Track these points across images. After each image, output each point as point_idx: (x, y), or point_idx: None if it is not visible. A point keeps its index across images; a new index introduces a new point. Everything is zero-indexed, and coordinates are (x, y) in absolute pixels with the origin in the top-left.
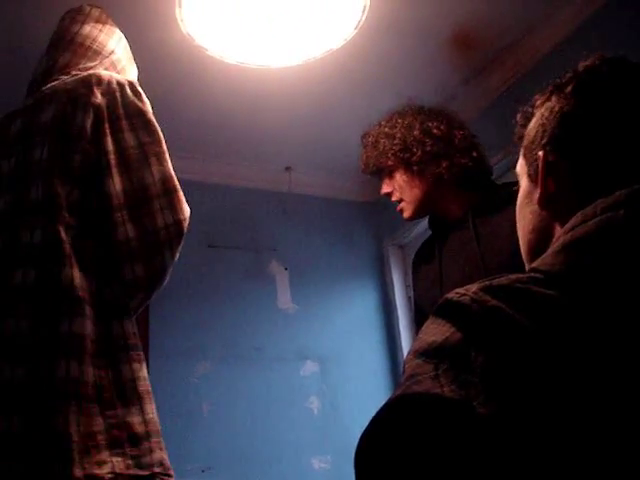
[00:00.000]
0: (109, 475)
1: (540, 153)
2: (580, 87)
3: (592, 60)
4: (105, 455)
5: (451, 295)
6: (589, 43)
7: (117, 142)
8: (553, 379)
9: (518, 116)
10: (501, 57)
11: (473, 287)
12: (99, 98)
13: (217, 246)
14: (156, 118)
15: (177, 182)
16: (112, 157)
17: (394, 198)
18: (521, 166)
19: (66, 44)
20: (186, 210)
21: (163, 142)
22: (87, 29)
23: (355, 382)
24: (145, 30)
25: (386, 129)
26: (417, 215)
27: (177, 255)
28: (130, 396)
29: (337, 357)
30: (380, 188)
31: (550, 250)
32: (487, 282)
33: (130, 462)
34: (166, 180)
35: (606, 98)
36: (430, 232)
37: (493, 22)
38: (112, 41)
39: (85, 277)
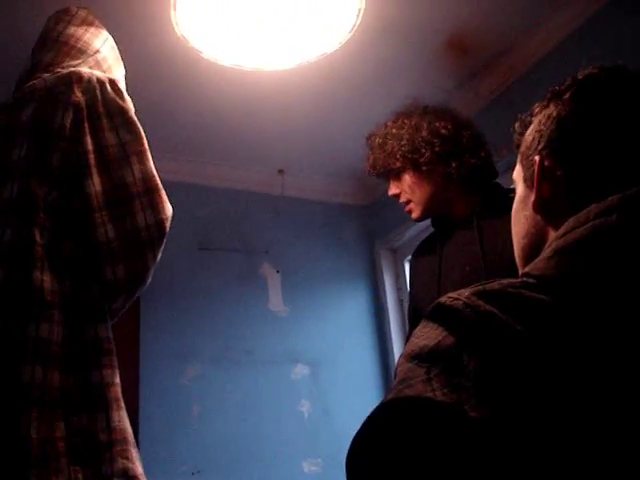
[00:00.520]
0: None
1: (536, 158)
2: (578, 94)
3: (591, 68)
4: (63, 463)
5: (444, 299)
6: (582, 49)
7: (97, 141)
8: (545, 383)
9: (516, 124)
10: (495, 62)
11: (466, 292)
12: (79, 96)
13: (209, 248)
14: (150, 120)
15: (159, 181)
16: (92, 156)
17: (402, 199)
18: (517, 172)
19: (51, 43)
20: (168, 209)
21: (144, 141)
22: (72, 29)
23: (346, 385)
24: (140, 33)
25: (393, 130)
26: (426, 216)
27: (159, 255)
28: (97, 403)
29: (328, 360)
30: (373, 189)
31: (543, 255)
32: (480, 287)
33: (88, 471)
34: (147, 179)
35: (604, 105)
36: (429, 232)
37: (488, 27)
38: (98, 41)
39: (58, 280)
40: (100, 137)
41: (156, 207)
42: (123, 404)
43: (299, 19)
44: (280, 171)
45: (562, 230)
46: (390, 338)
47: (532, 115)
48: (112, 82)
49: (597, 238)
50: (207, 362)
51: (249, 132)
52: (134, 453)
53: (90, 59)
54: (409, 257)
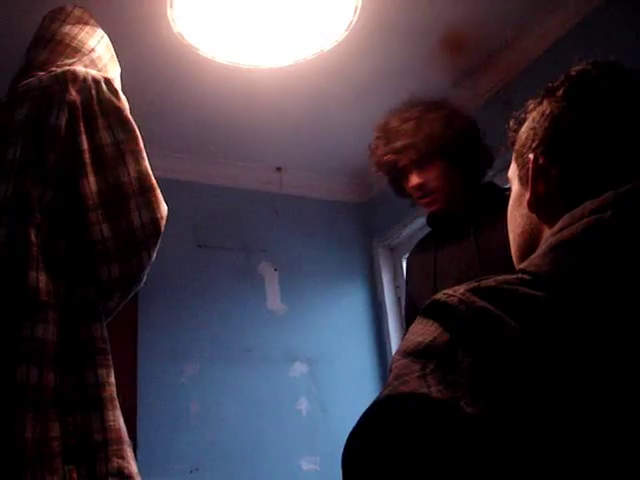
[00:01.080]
0: None
1: (530, 156)
2: (571, 90)
3: (584, 64)
4: (58, 463)
5: (439, 296)
6: (579, 47)
7: (92, 140)
8: (540, 380)
9: (511, 121)
10: (491, 60)
11: (461, 288)
12: (74, 95)
13: (207, 246)
14: (147, 118)
15: (154, 180)
16: (87, 156)
17: (426, 190)
18: (512, 170)
19: (45, 42)
20: (163, 208)
21: (140, 139)
22: (67, 27)
23: (344, 383)
24: (136, 30)
25: (427, 115)
26: (447, 208)
27: (154, 254)
28: (91, 402)
29: (326, 358)
30: (371, 187)
31: (538, 251)
32: (475, 283)
33: (83, 471)
34: (143, 178)
35: (597, 102)
36: (427, 230)
37: (484, 25)
38: (93, 39)
39: (53, 280)
40: (95, 136)
41: (151, 206)
42: (118, 403)
43: (296, 16)
44: (278, 169)
45: (557, 227)
46: (388, 336)
47: (526, 112)
48: (107, 81)
49: (592, 234)
50: (205, 360)
51: (246, 130)
52: (129, 452)
53: (85, 58)
54: (407, 255)
